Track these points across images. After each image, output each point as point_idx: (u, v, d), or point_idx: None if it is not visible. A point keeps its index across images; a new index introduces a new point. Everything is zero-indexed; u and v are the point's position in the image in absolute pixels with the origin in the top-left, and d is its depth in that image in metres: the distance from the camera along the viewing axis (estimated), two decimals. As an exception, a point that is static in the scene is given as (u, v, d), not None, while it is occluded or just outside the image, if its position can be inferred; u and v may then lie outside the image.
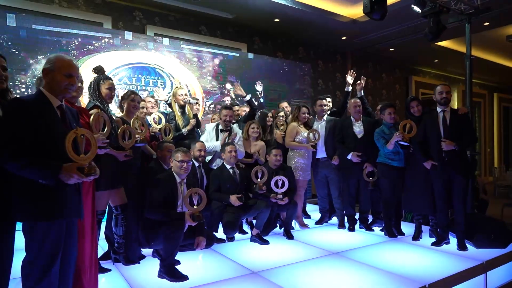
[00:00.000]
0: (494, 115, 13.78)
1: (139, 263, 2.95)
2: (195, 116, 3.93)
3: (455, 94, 12.01)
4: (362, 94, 4.47)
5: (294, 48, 8.27)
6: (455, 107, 4.86)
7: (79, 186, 1.85)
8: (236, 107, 4.58)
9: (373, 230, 4.17)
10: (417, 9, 4.33)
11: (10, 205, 1.72)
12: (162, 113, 3.91)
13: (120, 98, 3.23)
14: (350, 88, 4.60)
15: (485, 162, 13.08)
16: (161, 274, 2.63)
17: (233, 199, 3.44)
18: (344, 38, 8.10)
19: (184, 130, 3.81)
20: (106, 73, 2.96)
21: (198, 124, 3.97)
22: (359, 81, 4.52)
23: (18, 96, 2.00)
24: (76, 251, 1.97)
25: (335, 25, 7.21)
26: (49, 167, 1.65)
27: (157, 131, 3.61)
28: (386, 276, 2.72)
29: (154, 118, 3.76)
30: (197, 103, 4.23)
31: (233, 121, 4.14)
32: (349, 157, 4.06)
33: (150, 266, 2.88)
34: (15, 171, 1.64)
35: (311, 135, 4.11)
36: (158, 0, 5.96)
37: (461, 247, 3.42)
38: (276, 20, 6.98)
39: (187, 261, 2.94)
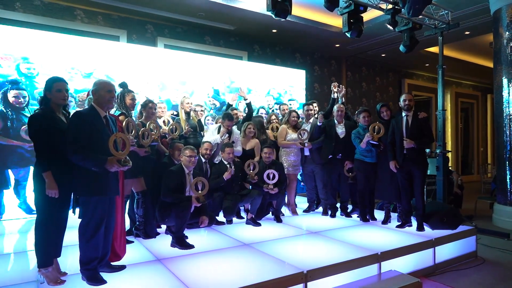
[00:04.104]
0: (487, 115, 14.29)
1: (155, 237, 3.72)
2: (199, 121, 4.69)
3: (448, 95, 12.62)
4: (343, 100, 5.18)
5: (291, 55, 9.00)
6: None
7: (117, 173, 2.62)
8: (235, 111, 5.32)
9: (351, 217, 4.90)
10: (390, 27, 5.02)
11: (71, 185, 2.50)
12: (172, 118, 4.68)
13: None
14: (336, 95, 5.28)
15: (478, 161, 13.64)
16: (173, 244, 3.40)
17: (226, 175, 4.20)
18: (337, 45, 8.81)
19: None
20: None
21: (201, 127, 4.73)
22: (340, 88, 5.24)
23: (78, 109, 2.77)
24: (114, 221, 2.74)
25: (327, 34, 7.93)
26: (99, 159, 2.42)
27: (166, 131, 4.35)
28: (348, 247, 3.45)
29: (164, 121, 4.54)
30: (202, 110, 5.00)
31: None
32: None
33: (164, 240, 3.64)
34: (77, 162, 2.41)
35: (301, 133, 4.83)
36: (167, 14, 6.72)
37: (420, 228, 4.13)
38: (274, 30, 7.71)
39: (193, 236, 3.70)
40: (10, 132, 4.97)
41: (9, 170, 4.95)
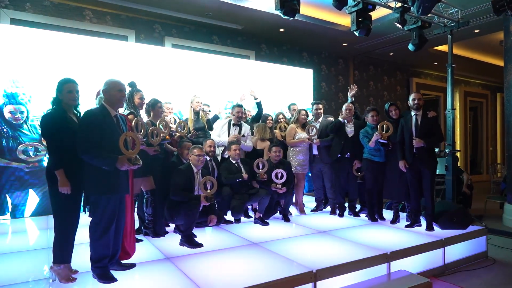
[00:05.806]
0: (497, 114, 14.12)
1: (164, 236, 3.74)
2: (208, 121, 4.71)
3: (456, 94, 12.50)
4: (353, 99, 5.16)
5: (299, 54, 8.97)
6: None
7: (128, 172, 2.64)
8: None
9: (359, 216, 4.87)
10: (399, 25, 4.98)
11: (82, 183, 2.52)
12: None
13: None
14: (353, 99, 5.23)
15: (487, 160, 13.49)
16: (182, 243, 3.41)
17: (245, 176, 4.26)
18: (345, 44, 8.76)
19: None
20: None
21: (210, 127, 4.74)
22: (350, 86, 5.20)
23: (89, 109, 2.79)
24: (124, 219, 2.75)
25: (335, 33, 7.88)
26: (109, 158, 2.44)
27: (174, 129, 4.37)
28: (357, 247, 3.44)
29: (170, 120, 4.56)
30: (210, 111, 5.02)
31: (243, 120, 4.89)
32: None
33: (172, 238, 3.66)
34: (88, 161, 2.43)
35: (309, 130, 4.82)
36: (175, 14, 6.74)
37: (429, 228, 4.10)
38: (281, 29, 7.69)
39: (201, 235, 3.71)
40: (6, 152, 4.56)
41: (6, 195, 4.61)
